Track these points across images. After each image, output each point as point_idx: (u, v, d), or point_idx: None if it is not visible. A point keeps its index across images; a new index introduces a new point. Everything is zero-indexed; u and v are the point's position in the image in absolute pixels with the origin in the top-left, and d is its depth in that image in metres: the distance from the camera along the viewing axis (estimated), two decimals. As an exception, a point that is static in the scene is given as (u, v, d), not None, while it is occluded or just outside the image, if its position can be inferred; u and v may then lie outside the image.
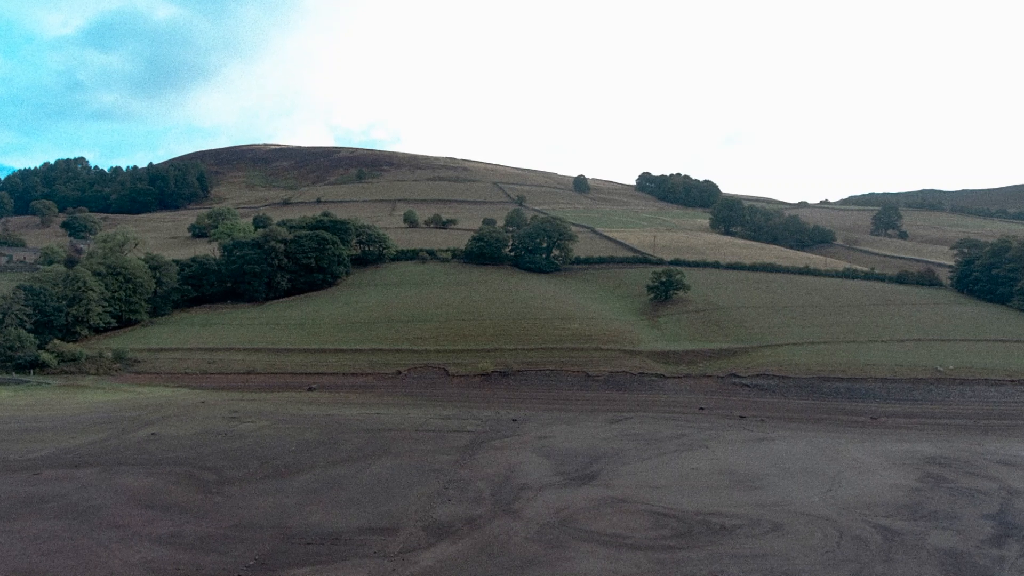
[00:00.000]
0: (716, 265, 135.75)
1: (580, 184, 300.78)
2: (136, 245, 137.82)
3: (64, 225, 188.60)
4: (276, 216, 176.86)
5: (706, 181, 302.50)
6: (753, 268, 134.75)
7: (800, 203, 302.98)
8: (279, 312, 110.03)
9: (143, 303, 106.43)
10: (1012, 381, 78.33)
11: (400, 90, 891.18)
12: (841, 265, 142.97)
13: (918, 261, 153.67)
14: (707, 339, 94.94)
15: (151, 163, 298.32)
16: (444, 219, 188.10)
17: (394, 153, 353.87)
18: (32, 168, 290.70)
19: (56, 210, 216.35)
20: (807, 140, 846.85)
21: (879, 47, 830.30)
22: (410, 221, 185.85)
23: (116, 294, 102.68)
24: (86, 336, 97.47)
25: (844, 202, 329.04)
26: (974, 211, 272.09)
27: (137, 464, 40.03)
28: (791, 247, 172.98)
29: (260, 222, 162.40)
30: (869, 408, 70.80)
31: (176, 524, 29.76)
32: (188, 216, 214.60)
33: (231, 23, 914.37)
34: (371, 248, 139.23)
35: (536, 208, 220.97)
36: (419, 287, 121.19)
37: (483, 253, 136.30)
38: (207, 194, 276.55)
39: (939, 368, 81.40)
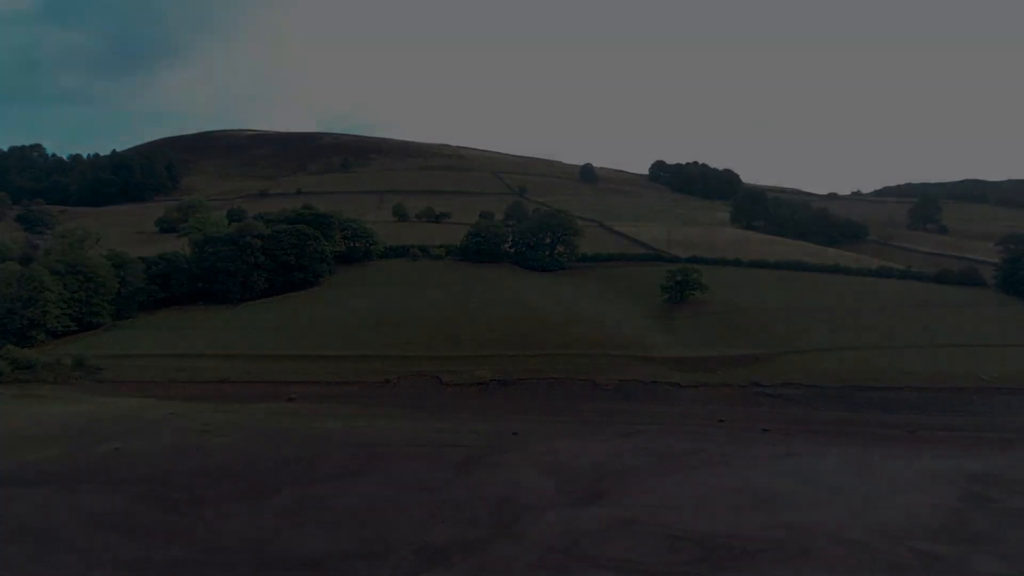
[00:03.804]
0: (737, 263, 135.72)
1: (587, 174, 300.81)
2: (98, 241, 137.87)
3: (19, 218, 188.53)
4: (253, 209, 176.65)
5: (726, 170, 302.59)
6: (778, 266, 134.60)
7: (830, 194, 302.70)
8: (255, 314, 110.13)
9: (106, 305, 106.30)
10: (1063, 391, 78.30)
11: (389, 69, 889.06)
12: (875, 263, 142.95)
13: (960, 258, 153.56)
14: (727, 344, 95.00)
15: (115, 151, 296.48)
16: (437, 212, 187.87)
17: (382, 139, 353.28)
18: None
19: (10, 202, 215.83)
20: (837, 124, 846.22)
21: (915, 22, 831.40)
22: (400, 214, 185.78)
23: (76, 295, 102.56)
24: (43, 341, 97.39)
25: (878, 193, 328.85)
26: (1021, 203, 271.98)
27: (99, 482, 40.08)
28: (820, 243, 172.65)
29: (235, 215, 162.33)
30: (905, 420, 70.68)
31: (142, 548, 29.79)
32: (156, 209, 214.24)
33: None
34: (357, 244, 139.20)
35: (539, 200, 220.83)
36: (410, 287, 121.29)
37: (480, 250, 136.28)
38: (177, 184, 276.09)
39: (983, 376, 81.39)
